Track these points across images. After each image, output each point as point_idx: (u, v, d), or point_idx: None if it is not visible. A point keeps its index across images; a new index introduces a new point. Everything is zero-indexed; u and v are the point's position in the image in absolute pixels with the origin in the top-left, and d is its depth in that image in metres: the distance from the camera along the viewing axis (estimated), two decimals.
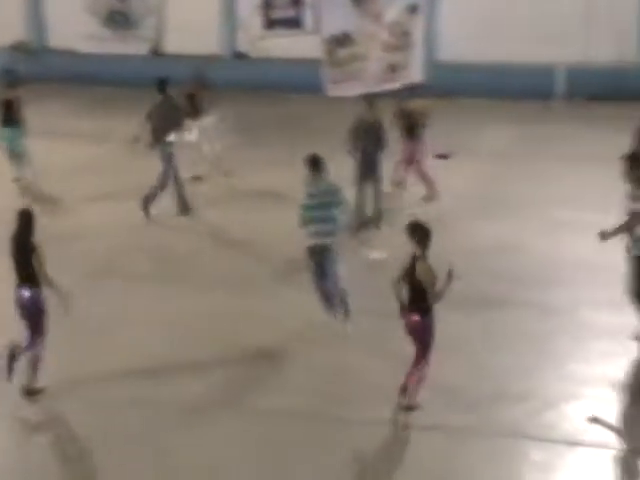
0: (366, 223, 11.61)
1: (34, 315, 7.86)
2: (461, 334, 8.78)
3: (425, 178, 12.51)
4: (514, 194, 12.56)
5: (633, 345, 8.57)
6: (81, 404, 7.82)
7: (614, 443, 7.28)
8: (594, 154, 13.17)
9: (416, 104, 12.42)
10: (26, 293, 7.83)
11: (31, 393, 7.89)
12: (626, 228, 8.32)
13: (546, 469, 7.00)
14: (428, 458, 7.15)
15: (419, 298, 7.37)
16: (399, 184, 12.39)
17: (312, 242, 8.85)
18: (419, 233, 7.38)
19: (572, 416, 7.63)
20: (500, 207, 12.10)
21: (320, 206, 8.81)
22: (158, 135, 12.09)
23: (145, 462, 7.07)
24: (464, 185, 12.91)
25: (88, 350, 8.68)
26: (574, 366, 8.37)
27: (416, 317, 7.40)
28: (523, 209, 12.04)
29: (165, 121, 12.07)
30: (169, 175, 12.11)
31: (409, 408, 7.56)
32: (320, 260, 8.87)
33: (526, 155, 14.14)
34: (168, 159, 12.10)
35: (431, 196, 12.42)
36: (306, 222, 8.83)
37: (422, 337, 7.47)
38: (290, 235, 9.38)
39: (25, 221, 7.86)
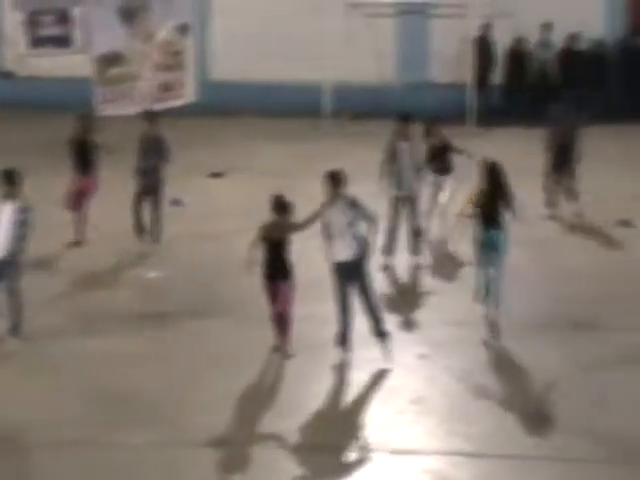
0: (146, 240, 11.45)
1: None
2: (229, 347, 8.84)
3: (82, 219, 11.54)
4: None
5: (395, 351, 8.93)
6: None
7: (377, 446, 7.45)
8: (358, 169, 13.62)
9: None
10: None
11: None
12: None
13: (318, 474, 7.10)
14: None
15: (279, 260, 8.48)
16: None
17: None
18: (278, 204, 8.58)
19: (337, 423, 7.84)
20: None
21: (19, 223, 8.77)
22: None
23: None
24: (240, 202, 13.02)
25: None
26: (347, 374, 8.60)
27: (277, 279, 8.50)
28: None
29: None
30: None
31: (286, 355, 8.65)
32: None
33: (297, 172, 14.44)
34: None
35: (79, 242, 11.46)
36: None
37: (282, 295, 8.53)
38: None
39: None
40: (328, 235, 8.64)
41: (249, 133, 16.29)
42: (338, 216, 8.56)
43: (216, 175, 14.14)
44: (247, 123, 16.77)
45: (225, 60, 17.64)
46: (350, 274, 8.59)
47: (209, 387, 8.24)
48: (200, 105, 14.98)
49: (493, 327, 9.29)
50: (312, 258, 10.97)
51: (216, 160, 14.67)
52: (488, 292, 9.41)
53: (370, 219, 8.70)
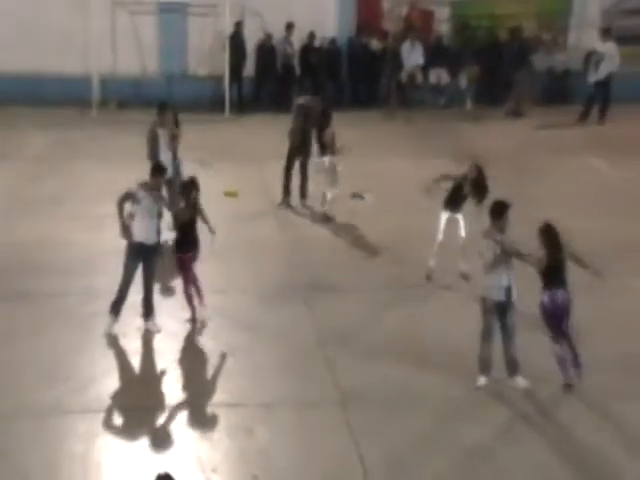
0: None
1: None
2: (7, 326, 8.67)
3: None
4: (52, 193, 12.41)
5: (162, 317, 8.99)
6: None
7: (138, 404, 7.59)
8: (125, 154, 13.54)
9: None
10: None
11: None
12: None
13: (89, 437, 7.16)
14: None
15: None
16: None
17: None
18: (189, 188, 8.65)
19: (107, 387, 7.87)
20: (40, 206, 11.85)
21: None
22: None
23: None
24: (4, 186, 12.64)
25: None
26: (118, 341, 8.59)
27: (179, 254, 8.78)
28: (65, 207, 11.99)
29: None
30: None
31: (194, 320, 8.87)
32: None
33: (63, 157, 14.11)
34: None
35: None
36: None
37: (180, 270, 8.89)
38: None
39: None
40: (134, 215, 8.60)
41: (15, 122, 15.62)
42: (151, 200, 8.56)
43: None
44: (13, 112, 16.09)
45: None
46: (143, 255, 8.61)
47: None
48: None
49: None
50: (72, 240, 10.90)
51: None
52: None
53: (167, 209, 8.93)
